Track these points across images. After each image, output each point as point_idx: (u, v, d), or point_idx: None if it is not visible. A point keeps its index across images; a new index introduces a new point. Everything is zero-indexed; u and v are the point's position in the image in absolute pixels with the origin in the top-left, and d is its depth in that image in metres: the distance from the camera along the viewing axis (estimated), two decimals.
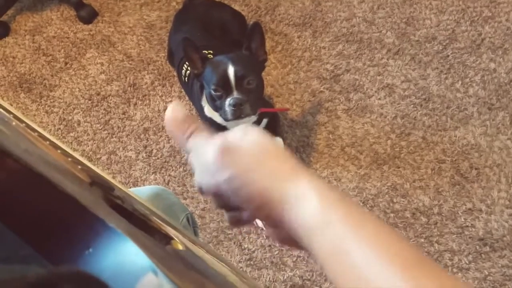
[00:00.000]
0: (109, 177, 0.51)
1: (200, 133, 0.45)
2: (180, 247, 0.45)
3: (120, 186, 0.52)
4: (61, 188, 0.29)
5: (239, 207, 0.42)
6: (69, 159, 0.39)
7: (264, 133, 0.42)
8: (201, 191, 0.43)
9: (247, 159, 0.40)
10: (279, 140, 1.67)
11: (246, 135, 0.41)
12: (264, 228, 1.55)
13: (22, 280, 0.22)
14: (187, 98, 1.81)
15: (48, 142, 0.39)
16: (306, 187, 0.37)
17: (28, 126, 0.39)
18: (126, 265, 0.29)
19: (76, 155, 0.44)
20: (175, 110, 0.45)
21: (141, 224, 0.44)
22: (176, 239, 0.47)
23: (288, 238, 0.39)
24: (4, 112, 0.39)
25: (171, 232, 0.50)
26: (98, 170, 0.48)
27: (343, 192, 0.39)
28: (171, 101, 1.85)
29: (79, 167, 0.39)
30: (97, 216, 0.29)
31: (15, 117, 0.39)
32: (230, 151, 0.40)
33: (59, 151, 0.39)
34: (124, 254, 0.29)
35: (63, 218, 0.30)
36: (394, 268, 0.30)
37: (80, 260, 0.28)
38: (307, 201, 0.36)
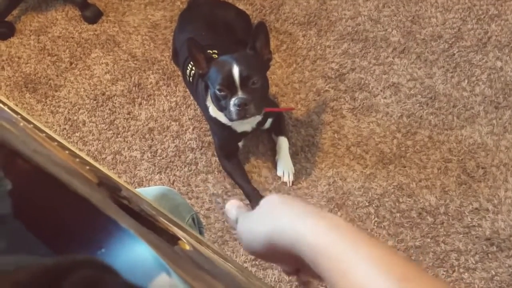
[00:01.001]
0: (116, 178, 0.50)
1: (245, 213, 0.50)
2: (188, 247, 0.45)
3: (127, 186, 0.52)
4: (72, 188, 0.29)
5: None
6: (77, 159, 0.39)
7: (279, 194, 0.45)
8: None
9: (252, 217, 0.45)
10: (284, 139, 1.67)
11: (265, 201, 0.46)
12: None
13: (40, 265, 0.22)
14: (191, 98, 1.81)
15: (56, 143, 0.38)
16: (299, 224, 0.39)
17: (35, 127, 0.39)
18: (139, 265, 0.29)
19: (84, 155, 0.44)
20: (233, 201, 0.53)
21: (148, 225, 0.44)
22: (183, 239, 0.47)
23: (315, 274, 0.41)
24: (12, 113, 0.39)
25: (178, 232, 0.49)
26: (105, 170, 0.48)
27: (335, 217, 0.42)
28: (175, 101, 1.85)
29: (87, 167, 0.39)
30: (109, 217, 0.29)
31: (23, 118, 0.39)
32: (244, 219, 0.47)
33: (67, 151, 0.38)
34: (137, 254, 0.29)
35: (75, 218, 0.30)
36: (393, 279, 0.32)
37: None
38: (305, 236, 0.38)
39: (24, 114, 0.40)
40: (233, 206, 0.52)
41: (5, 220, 0.26)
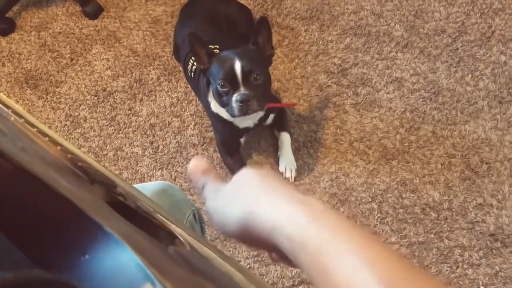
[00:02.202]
0: (112, 174, 0.49)
1: (213, 182, 0.47)
2: (184, 246, 0.44)
3: (124, 182, 0.51)
4: (57, 190, 0.27)
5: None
6: (69, 155, 0.38)
7: (254, 168, 0.42)
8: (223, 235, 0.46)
9: (224, 195, 0.42)
10: (286, 135, 1.65)
11: (238, 177, 0.42)
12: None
13: None
14: (193, 93, 1.80)
15: (47, 138, 0.37)
16: (276, 211, 0.36)
17: (27, 121, 0.38)
18: (123, 274, 0.27)
19: (78, 151, 0.43)
20: (197, 163, 0.48)
21: (144, 222, 0.43)
22: (180, 237, 0.46)
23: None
24: (2, 107, 0.38)
25: (176, 230, 0.48)
26: (100, 166, 0.47)
27: (314, 202, 0.39)
28: (177, 96, 1.84)
29: (80, 164, 0.37)
30: (94, 220, 0.28)
31: (14, 112, 0.38)
32: (216, 195, 0.43)
33: (58, 147, 0.37)
34: (122, 261, 0.28)
35: (58, 222, 0.28)
36: (373, 282, 0.30)
37: (75, 267, 0.27)
38: (281, 225, 0.36)
39: (16, 108, 0.39)
40: (198, 170, 0.48)
41: None
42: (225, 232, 0.41)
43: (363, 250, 0.32)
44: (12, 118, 0.36)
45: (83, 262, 0.27)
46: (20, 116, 0.38)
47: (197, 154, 1.69)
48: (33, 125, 0.38)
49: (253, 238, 0.38)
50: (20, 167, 0.27)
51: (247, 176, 0.41)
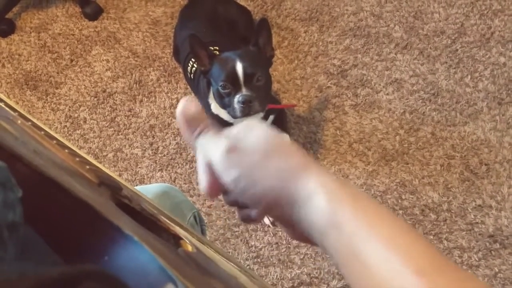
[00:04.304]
0: (116, 176, 0.50)
1: (208, 131, 0.43)
2: (190, 248, 0.44)
3: (128, 185, 0.51)
4: (74, 193, 0.28)
5: (249, 205, 0.41)
6: (77, 159, 0.38)
7: (268, 127, 0.40)
8: None
9: (251, 157, 0.38)
10: (286, 136, 1.66)
11: (251, 131, 0.40)
12: (271, 226, 1.54)
13: (45, 275, 0.21)
14: (193, 94, 1.80)
15: (55, 141, 0.37)
16: (313, 186, 0.35)
17: (34, 124, 0.38)
18: (144, 274, 0.28)
19: (83, 154, 0.43)
20: (187, 106, 0.44)
21: (149, 224, 0.43)
22: (185, 239, 0.46)
23: (303, 236, 0.38)
24: (9, 110, 0.38)
25: (180, 232, 0.49)
26: (105, 169, 0.47)
27: (354, 186, 0.38)
28: (177, 98, 1.84)
29: (87, 167, 0.38)
30: (112, 223, 0.28)
31: (20, 115, 0.38)
32: (235, 150, 0.39)
33: (66, 150, 0.37)
34: (141, 263, 0.28)
35: (76, 225, 0.29)
36: (408, 270, 0.29)
37: None
38: (315, 201, 0.35)
39: (22, 111, 0.39)
40: (190, 115, 0.43)
41: (18, 228, 0.25)
42: (248, 197, 0.39)
43: (401, 239, 0.31)
44: (19, 121, 0.36)
45: (102, 264, 0.27)
46: (27, 119, 0.38)
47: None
48: (40, 128, 0.38)
49: (279, 209, 0.37)
50: (37, 171, 0.27)
51: (274, 139, 0.39)
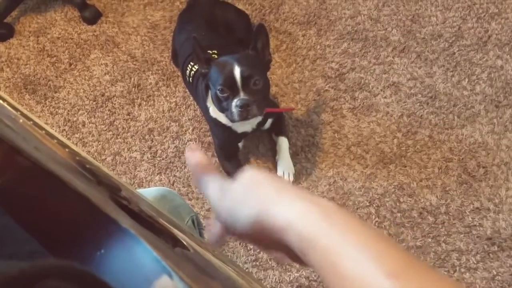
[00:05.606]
0: (116, 177, 0.50)
1: (215, 178, 0.46)
2: (188, 249, 0.45)
3: (128, 186, 0.51)
4: (73, 186, 0.28)
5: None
6: (77, 157, 0.38)
7: (258, 169, 0.43)
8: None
9: (234, 194, 0.42)
10: (284, 139, 1.66)
11: (242, 175, 0.43)
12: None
13: (5, 275, 0.21)
14: (191, 98, 1.80)
15: (55, 141, 0.38)
16: (288, 210, 0.37)
17: (35, 123, 0.39)
18: (139, 267, 0.28)
19: (84, 154, 0.43)
20: (198, 154, 0.48)
21: (148, 226, 0.43)
22: (183, 241, 0.46)
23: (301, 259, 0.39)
24: (11, 109, 0.38)
25: (179, 234, 0.49)
26: (105, 169, 0.47)
27: (324, 201, 0.40)
28: (175, 101, 1.85)
29: (87, 166, 0.38)
30: (109, 217, 0.28)
31: (22, 114, 0.39)
32: (223, 194, 0.43)
33: (66, 149, 0.38)
34: (137, 255, 0.28)
35: (74, 217, 0.29)
36: (381, 273, 0.31)
37: (91, 261, 0.27)
38: (293, 223, 0.36)
39: (24, 111, 0.40)
40: (198, 166, 0.47)
41: None
42: (235, 232, 0.42)
43: (372, 245, 0.33)
44: (21, 120, 0.36)
45: (98, 257, 0.27)
46: (29, 119, 0.38)
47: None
48: (41, 128, 0.38)
49: (264, 238, 0.39)
50: (37, 164, 0.27)
51: (258, 175, 0.41)
